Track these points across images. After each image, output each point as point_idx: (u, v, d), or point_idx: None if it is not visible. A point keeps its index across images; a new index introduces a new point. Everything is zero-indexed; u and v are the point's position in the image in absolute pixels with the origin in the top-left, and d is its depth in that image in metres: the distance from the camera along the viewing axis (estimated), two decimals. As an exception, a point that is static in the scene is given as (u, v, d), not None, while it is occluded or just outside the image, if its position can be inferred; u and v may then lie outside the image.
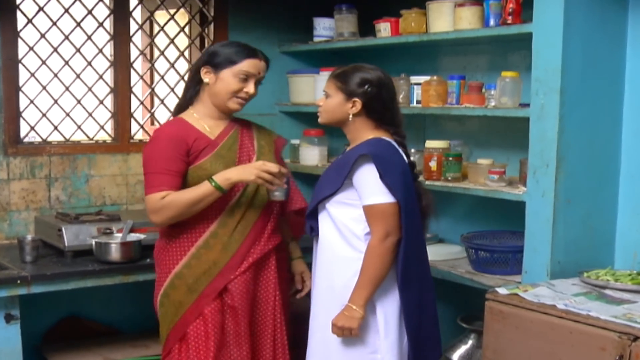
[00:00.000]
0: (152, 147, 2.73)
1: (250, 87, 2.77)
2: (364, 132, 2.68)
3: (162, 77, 4.19)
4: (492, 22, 3.24)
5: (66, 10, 3.84)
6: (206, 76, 2.76)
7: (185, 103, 2.85)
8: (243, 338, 2.81)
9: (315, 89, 4.15)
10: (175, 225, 2.77)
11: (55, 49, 3.84)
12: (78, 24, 3.88)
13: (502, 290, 2.70)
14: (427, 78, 3.55)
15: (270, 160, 2.85)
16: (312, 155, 4.18)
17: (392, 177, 2.56)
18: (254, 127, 2.95)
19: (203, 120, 2.79)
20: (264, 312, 2.91)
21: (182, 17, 4.24)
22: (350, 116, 2.66)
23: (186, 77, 3.01)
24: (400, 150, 2.69)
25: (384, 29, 3.80)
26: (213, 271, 2.77)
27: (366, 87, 2.63)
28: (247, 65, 2.75)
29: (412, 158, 2.83)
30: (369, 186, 2.56)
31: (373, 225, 2.57)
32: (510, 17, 3.13)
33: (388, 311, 2.65)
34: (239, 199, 2.79)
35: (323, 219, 2.71)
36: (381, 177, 2.54)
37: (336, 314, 2.63)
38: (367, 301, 2.58)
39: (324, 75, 4.09)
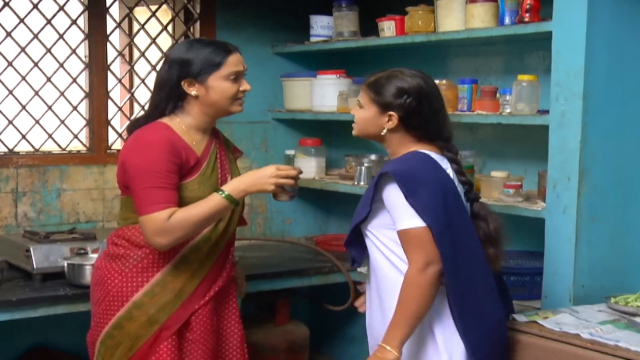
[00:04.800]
0: (147, 155, 2.61)
1: (245, 84, 2.77)
2: (405, 147, 2.61)
3: (143, 81, 4.18)
4: (507, 20, 3.24)
5: (35, 6, 3.84)
6: (191, 89, 2.70)
7: (158, 117, 2.73)
8: None
9: (312, 94, 4.14)
10: (139, 246, 2.69)
11: (22, 49, 3.83)
12: (48, 22, 3.88)
13: (519, 318, 2.69)
14: (435, 82, 3.53)
15: (237, 173, 2.87)
16: (308, 167, 4.17)
17: (420, 197, 2.46)
18: (222, 138, 2.92)
19: (190, 133, 2.73)
20: (231, 347, 2.88)
21: (165, 14, 4.24)
22: (385, 131, 2.59)
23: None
24: (445, 166, 2.58)
25: (387, 28, 3.79)
26: (177, 300, 2.70)
27: (403, 99, 2.55)
28: (232, 63, 2.73)
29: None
30: (397, 209, 2.49)
31: (409, 252, 2.47)
32: (527, 15, 3.13)
33: (454, 354, 2.52)
34: (217, 223, 2.75)
35: (369, 245, 2.65)
36: (406, 197, 2.46)
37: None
38: (403, 342, 2.45)
39: (321, 79, 4.10)
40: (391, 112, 2.56)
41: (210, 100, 2.72)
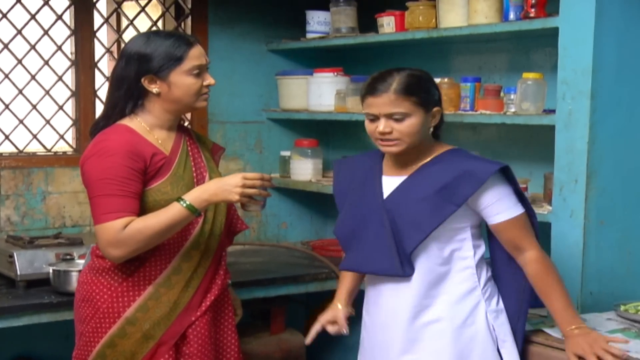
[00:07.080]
0: (102, 162, 2.56)
1: (209, 79, 2.71)
2: (430, 145, 2.60)
3: (131, 79, 4.17)
4: (512, 16, 3.24)
5: (18, 1, 3.83)
6: (152, 87, 2.64)
7: (119, 117, 2.69)
8: None
9: (308, 93, 4.13)
10: (129, 259, 2.62)
11: (5, 46, 3.82)
12: (33, 17, 3.87)
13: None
14: (437, 80, 3.52)
15: (217, 173, 2.81)
16: (304, 169, 4.17)
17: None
18: (194, 135, 2.88)
19: (153, 132, 2.68)
20: (228, 358, 2.85)
21: (155, 9, 4.23)
22: (431, 129, 2.58)
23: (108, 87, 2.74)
24: None
25: (387, 24, 3.79)
26: (173, 314, 2.67)
27: (438, 90, 2.62)
28: (194, 56, 2.66)
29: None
30: (504, 200, 2.52)
31: (524, 238, 2.53)
32: (533, 10, 3.13)
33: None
34: (202, 226, 2.72)
35: (419, 256, 2.57)
36: (514, 185, 2.55)
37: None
38: None
39: (318, 77, 4.10)
40: (435, 108, 2.58)
41: (173, 97, 2.66)
